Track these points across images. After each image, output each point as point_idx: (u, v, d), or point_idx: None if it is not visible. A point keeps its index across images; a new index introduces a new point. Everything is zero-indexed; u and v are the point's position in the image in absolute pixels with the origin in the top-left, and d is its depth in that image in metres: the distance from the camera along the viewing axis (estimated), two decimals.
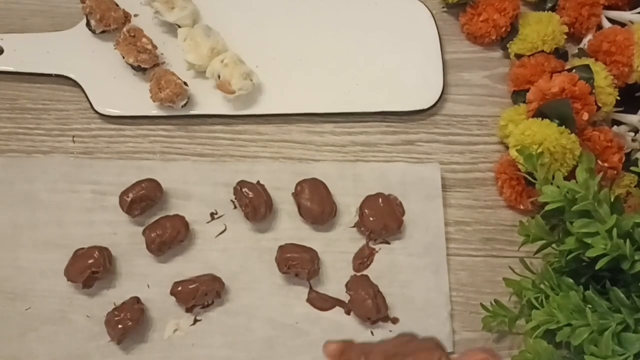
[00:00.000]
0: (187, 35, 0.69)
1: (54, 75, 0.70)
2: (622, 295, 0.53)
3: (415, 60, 0.72)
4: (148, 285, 0.64)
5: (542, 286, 0.59)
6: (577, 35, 0.74)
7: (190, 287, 0.62)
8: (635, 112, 0.69)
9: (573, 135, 0.63)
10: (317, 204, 0.64)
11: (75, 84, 0.70)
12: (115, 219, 0.66)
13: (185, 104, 0.69)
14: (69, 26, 0.72)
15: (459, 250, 0.67)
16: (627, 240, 0.52)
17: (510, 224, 0.68)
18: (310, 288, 0.64)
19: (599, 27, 0.73)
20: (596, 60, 0.68)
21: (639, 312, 0.53)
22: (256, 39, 0.73)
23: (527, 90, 0.67)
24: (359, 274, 0.65)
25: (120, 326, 0.60)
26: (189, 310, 0.63)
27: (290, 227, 0.66)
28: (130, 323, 0.60)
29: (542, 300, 0.58)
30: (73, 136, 0.70)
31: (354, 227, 0.67)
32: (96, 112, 0.69)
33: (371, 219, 0.65)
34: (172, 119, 0.70)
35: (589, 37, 0.72)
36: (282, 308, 0.64)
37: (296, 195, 0.65)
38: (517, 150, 0.62)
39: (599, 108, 0.65)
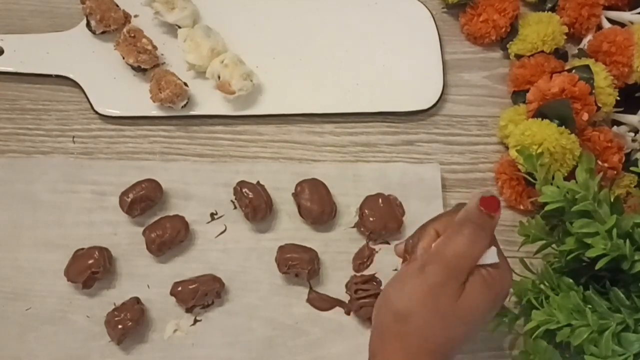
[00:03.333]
0: (187, 36, 0.69)
1: (54, 76, 0.70)
2: (622, 295, 0.53)
3: (415, 60, 0.72)
4: (148, 286, 0.64)
5: (542, 286, 0.59)
6: (577, 36, 0.74)
7: (190, 287, 0.62)
8: (635, 112, 0.69)
9: (573, 135, 0.63)
10: (317, 204, 0.64)
11: (75, 84, 0.70)
12: (115, 219, 0.66)
13: (185, 105, 0.69)
14: (69, 27, 0.73)
15: None
16: (627, 240, 0.52)
17: (510, 224, 0.68)
18: (310, 288, 0.64)
19: (599, 27, 0.73)
20: (596, 60, 0.68)
21: (639, 312, 0.53)
22: (256, 39, 0.73)
23: (527, 91, 0.67)
24: (359, 274, 0.65)
25: (120, 326, 0.60)
26: (189, 310, 0.63)
27: (290, 227, 0.66)
28: (130, 323, 0.60)
29: (542, 300, 0.58)
30: (73, 137, 0.70)
31: (354, 227, 0.67)
32: (96, 112, 0.69)
33: (371, 219, 0.65)
34: (172, 119, 0.70)
35: (589, 37, 0.72)
36: (282, 308, 0.64)
37: (296, 195, 0.65)
38: (517, 151, 0.62)
39: (598, 108, 0.65)
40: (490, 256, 0.48)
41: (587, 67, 0.66)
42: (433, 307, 0.46)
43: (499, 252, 0.49)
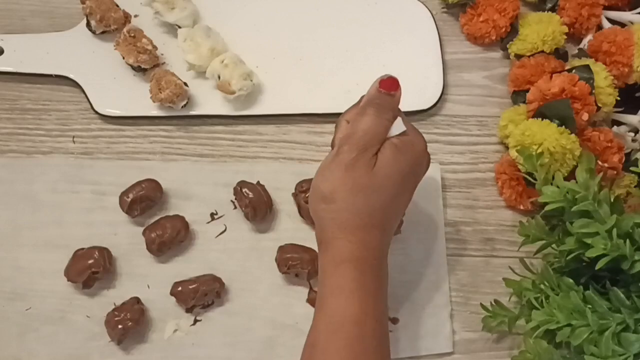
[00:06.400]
0: (187, 36, 0.69)
1: (54, 76, 0.70)
2: (622, 295, 0.54)
3: (415, 60, 0.72)
4: (148, 286, 0.64)
5: (542, 286, 0.59)
6: (577, 36, 0.73)
7: (190, 287, 0.62)
8: (635, 113, 0.69)
9: (573, 135, 0.63)
10: None
11: (75, 84, 0.70)
12: (115, 219, 0.66)
13: (185, 105, 0.69)
14: (69, 27, 0.73)
15: (459, 250, 0.67)
16: (627, 240, 0.52)
17: (510, 224, 0.68)
18: (311, 288, 0.64)
19: (599, 27, 0.73)
20: (596, 60, 0.68)
21: (639, 312, 0.53)
22: (256, 39, 0.73)
23: (527, 91, 0.67)
24: None
25: (120, 326, 0.60)
26: (189, 310, 0.63)
27: (290, 227, 0.66)
28: (130, 323, 0.60)
29: (542, 300, 0.58)
30: (73, 137, 0.70)
31: None
32: (96, 112, 0.69)
33: None
34: (172, 119, 0.70)
35: (589, 37, 0.72)
36: (282, 308, 0.64)
37: (296, 195, 0.65)
38: (517, 151, 0.62)
39: (599, 108, 0.65)
40: (397, 127, 0.53)
41: (587, 67, 0.66)
42: (352, 182, 0.51)
43: (405, 121, 0.54)
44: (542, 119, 0.64)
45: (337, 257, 0.51)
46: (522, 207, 0.68)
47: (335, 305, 0.50)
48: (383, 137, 0.52)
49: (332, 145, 0.56)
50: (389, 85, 0.53)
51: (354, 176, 0.51)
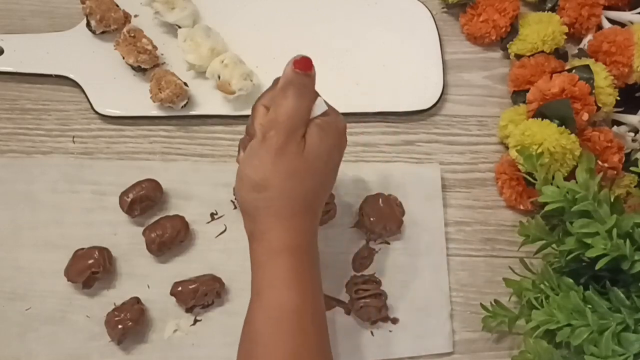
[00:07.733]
0: (187, 36, 0.69)
1: (54, 76, 0.70)
2: (622, 295, 0.54)
3: (415, 60, 0.72)
4: (148, 286, 0.64)
5: (542, 286, 0.59)
6: (577, 36, 0.74)
7: (190, 287, 0.62)
8: (635, 113, 0.69)
9: (573, 135, 0.63)
10: None
11: (75, 84, 0.70)
12: (115, 219, 0.66)
13: (185, 105, 0.69)
14: (69, 27, 0.73)
15: (459, 250, 0.67)
16: (627, 240, 0.52)
17: (510, 224, 0.68)
18: None
19: (599, 27, 0.73)
20: (596, 60, 0.68)
21: (639, 312, 0.53)
22: (256, 39, 0.73)
23: (527, 91, 0.67)
24: (359, 274, 0.65)
25: (120, 326, 0.60)
26: (189, 310, 0.63)
27: None
28: (130, 323, 0.60)
29: (542, 300, 0.58)
30: (73, 137, 0.70)
31: (354, 227, 0.67)
32: (96, 112, 0.69)
33: (371, 219, 0.65)
34: (172, 119, 0.70)
35: (589, 37, 0.72)
36: None
37: None
38: (517, 151, 0.62)
39: (599, 108, 0.66)
40: (319, 107, 0.52)
41: (587, 67, 0.66)
42: (284, 167, 0.50)
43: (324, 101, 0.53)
44: (542, 119, 0.64)
45: (273, 248, 0.50)
46: (522, 207, 0.68)
47: (274, 297, 0.50)
48: (307, 119, 0.51)
49: (249, 132, 0.54)
50: (304, 65, 0.51)
51: (285, 161, 0.50)
